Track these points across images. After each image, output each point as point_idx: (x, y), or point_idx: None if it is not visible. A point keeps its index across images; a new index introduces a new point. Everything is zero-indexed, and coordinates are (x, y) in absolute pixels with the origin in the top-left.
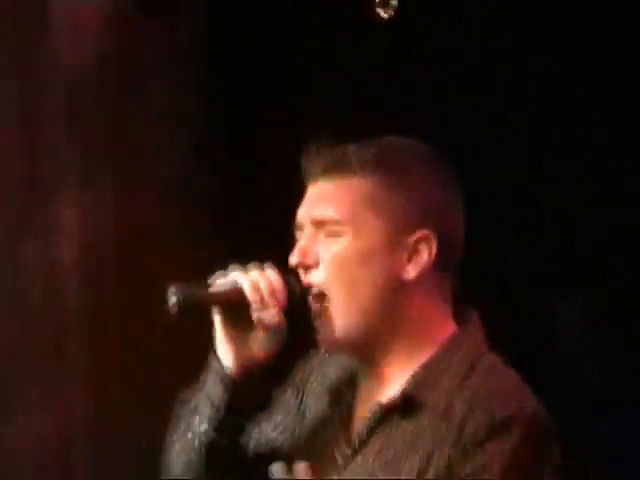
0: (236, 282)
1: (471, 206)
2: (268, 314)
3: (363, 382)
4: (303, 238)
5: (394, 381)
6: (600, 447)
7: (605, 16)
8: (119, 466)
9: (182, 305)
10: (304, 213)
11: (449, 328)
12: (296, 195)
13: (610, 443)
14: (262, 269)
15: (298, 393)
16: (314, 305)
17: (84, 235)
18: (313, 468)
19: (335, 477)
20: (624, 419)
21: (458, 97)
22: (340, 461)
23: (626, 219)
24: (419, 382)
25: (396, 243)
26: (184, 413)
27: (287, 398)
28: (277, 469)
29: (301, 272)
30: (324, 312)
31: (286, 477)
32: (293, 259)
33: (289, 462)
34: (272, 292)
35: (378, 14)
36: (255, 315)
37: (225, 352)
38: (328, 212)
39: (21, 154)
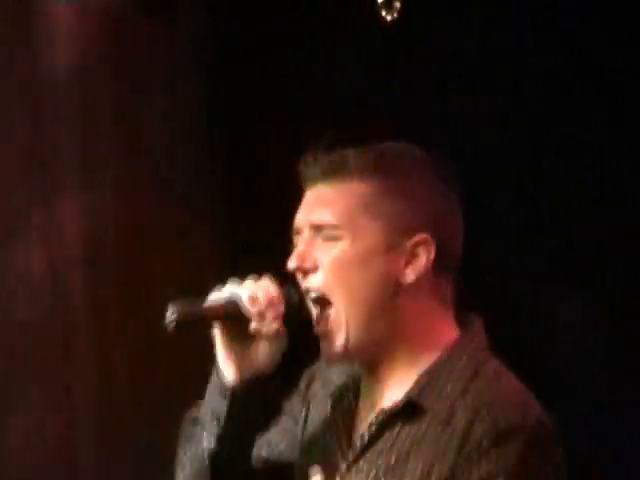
0: (233, 295)
1: (471, 206)
2: (267, 325)
3: (366, 386)
4: (301, 242)
5: (397, 385)
6: (600, 447)
7: (605, 16)
8: (121, 467)
9: (180, 321)
10: (302, 218)
11: (452, 333)
12: (296, 195)
13: (610, 443)
14: (258, 280)
15: (304, 401)
16: (314, 310)
17: (84, 235)
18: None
19: None
20: (624, 419)
21: (458, 97)
22: (342, 466)
23: (626, 219)
24: (422, 387)
25: (394, 247)
26: (191, 429)
27: (294, 406)
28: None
29: (299, 277)
30: (325, 317)
31: None
32: (291, 264)
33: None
34: (270, 303)
35: (382, 16)
36: (254, 327)
37: (226, 365)
38: (326, 216)
39: (21, 154)
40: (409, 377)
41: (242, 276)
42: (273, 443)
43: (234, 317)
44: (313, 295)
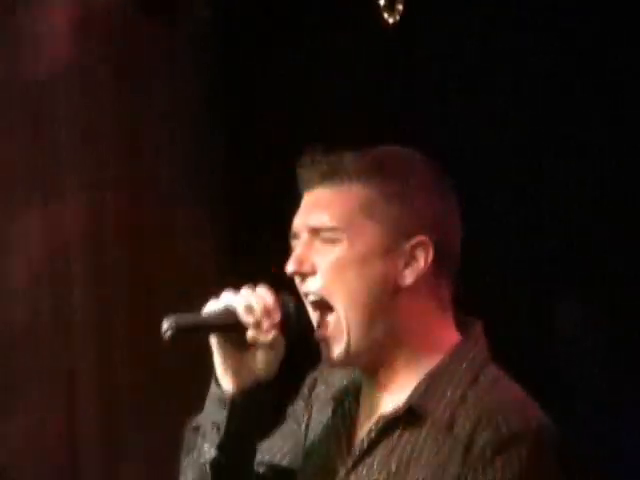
0: (229, 305)
1: (471, 206)
2: (263, 334)
3: (366, 390)
4: (299, 246)
5: (397, 390)
6: (600, 447)
7: (605, 16)
8: (122, 467)
9: (175, 332)
10: (300, 221)
11: (452, 337)
12: (296, 195)
13: (610, 443)
14: (254, 289)
15: (307, 404)
16: (314, 314)
17: (84, 235)
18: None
19: None
20: (624, 419)
21: (458, 97)
22: (342, 472)
23: (626, 219)
24: (422, 393)
25: (393, 249)
26: (192, 438)
27: (297, 410)
28: None
29: (297, 280)
30: (325, 322)
31: None
32: (289, 267)
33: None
34: (266, 311)
35: (384, 19)
36: (250, 336)
37: (224, 374)
38: (324, 219)
39: (21, 154)
40: (409, 382)
41: (242, 276)
42: (277, 447)
43: (230, 327)
44: (312, 298)
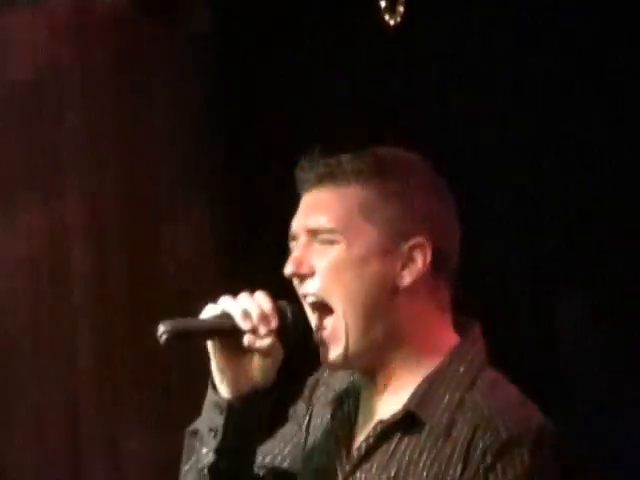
0: (226, 310)
1: (471, 206)
2: (260, 340)
3: (365, 393)
4: (297, 248)
5: (396, 392)
6: (600, 447)
7: (605, 16)
8: (123, 467)
9: (171, 336)
10: (298, 223)
11: (451, 338)
12: (296, 195)
13: (610, 443)
14: (252, 295)
15: (307, 407)
16: (313, 316)
17: (84, 234)
18: None
19: None
20: (624, 419)
21: (458, 97)
22: (340, 477)
23: (626, 219)
24: (420, 398)
25: (391, 250)
26: (192, 443)
27: (299, 412)
28: None
29: (296, 282)
30: (324, 324)
31: None
32: (287, 269)
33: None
34: (263, 317)
35: (385, 21)
36: (247, 342)
37: (221, 380)
38: (322, 220)
39: (21, 154)
40: (408, 384)
41: (242, 277)
42: (277, 449)
43: (227, 332)
44: (310, 300)
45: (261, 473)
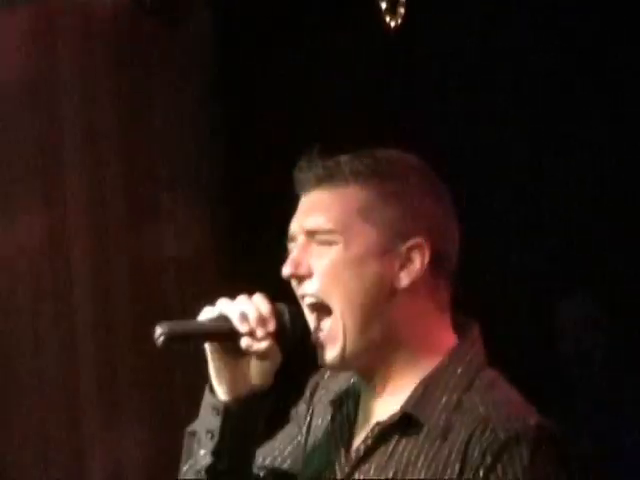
0: (224, 313)
1: (471, 205)
2: (257, 343)
3: (364, 395)
4: (295, 249)
5: (395, 393)
6: (600, 445)
7: (605, 16)
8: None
9: (168, 337)
10: (296, 224)
11: (449, 339)
12: (296, 195)
13: (610, 442)
14: (250, 297)
15: (308, 408)
16: (310, 316)
17: (84, 234)
18: None
19: None
20: (624, 418)
21: (458, 96)
22: (339, 478)
23: (626, 217)
24: (418, 399)
25: (389, 251)
26: (191, 443)
27: (300, 413)
28: None
29: (294, 283)
30: (322, 325)
31: None
32: (285, 270)
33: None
34: (260, 320)
35: (386, 22)
36: (245, 344)
37: (219, 383)
38: (320, 221)
39: (21, 154)
40: (407, 385)
41: (242, 277)
42: (278, 450)
43: (224, 335)
44: (308, 301)
45: (261, 474)
